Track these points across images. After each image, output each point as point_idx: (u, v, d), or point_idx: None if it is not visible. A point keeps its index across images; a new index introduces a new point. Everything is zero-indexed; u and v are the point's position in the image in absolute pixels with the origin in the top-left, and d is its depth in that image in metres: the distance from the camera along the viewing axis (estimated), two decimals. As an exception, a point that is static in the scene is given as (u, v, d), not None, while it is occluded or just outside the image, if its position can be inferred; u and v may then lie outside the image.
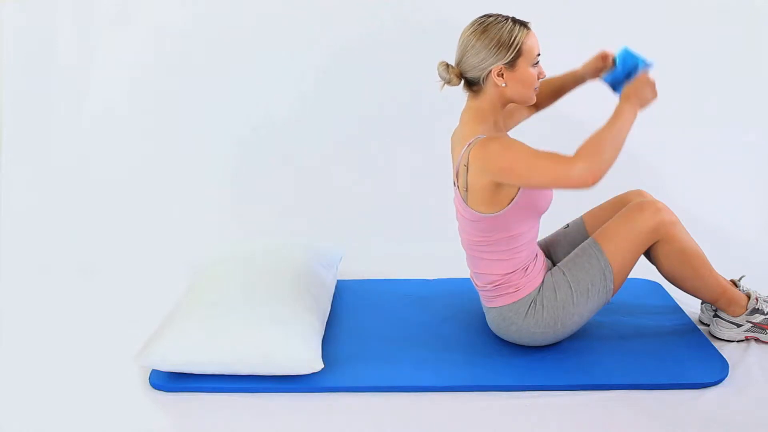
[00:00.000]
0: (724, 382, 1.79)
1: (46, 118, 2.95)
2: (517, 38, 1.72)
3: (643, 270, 2.07)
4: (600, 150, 1.64)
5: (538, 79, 1.79)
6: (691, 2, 2.93)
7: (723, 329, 1.99)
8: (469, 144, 1.75)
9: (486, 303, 1.94)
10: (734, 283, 2.05)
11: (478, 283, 1.94)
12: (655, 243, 1.88)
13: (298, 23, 2.97)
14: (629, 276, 2.01)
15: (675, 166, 2.98)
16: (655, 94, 1.76)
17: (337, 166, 3.01)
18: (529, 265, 1.87)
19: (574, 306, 1.85)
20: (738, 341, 1.98)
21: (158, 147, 3.01)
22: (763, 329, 1.96)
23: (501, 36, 1.72)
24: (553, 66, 3.01)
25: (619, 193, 2.08)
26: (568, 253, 2.01)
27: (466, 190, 1.78)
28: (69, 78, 2.96)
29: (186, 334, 1.80)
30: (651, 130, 3.03)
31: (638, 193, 2.03)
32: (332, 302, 2.19)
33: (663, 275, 1.95)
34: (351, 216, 2.84)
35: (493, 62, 1.73)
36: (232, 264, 2.12)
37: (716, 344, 1.96)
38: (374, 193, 2.93)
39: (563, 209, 2.14)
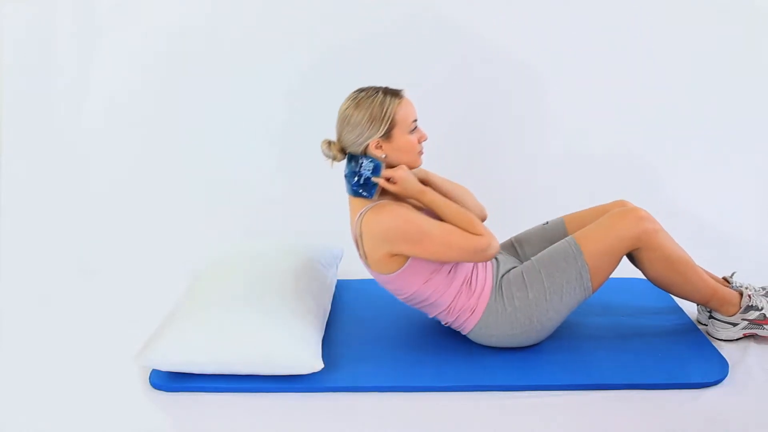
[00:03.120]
0: (724, 381, 1.79)
1: (46, 118, 2.95)
2: (389, 110, 1.76)
3: (643, 270, 2.07)
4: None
5: (420, 142, 1.83)
6: (691, 2, 2.94)
7: (720, 329, 1.99)
8: (360, 214, 1.80)
9: (462, 332, 1.94)
10: (726, 281, 2.05)
11: (441, 321, 1.95)
12: (638, 251, 1.87)
13: (297, 24, 2.97)
14: (629, 276, 2.02)
15: (675, 166, 2.98)
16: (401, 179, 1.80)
17: (336, 166, 3.00)
18: (469, 281, 1.87)
19: (547, 302, 1.84)
20: (737, 339, 1.98)
21: (158, 147, 3.01)
22: (760, 325, 1.96)
23: (372, 110, 1.75)
24: (553, 66, 3.03)
25: (616, 192, 2.08)
26: (544, 248, 2.02)
27: (367, 257, 1.82)
28: (69, 78, 2.96)
29: (186, 334, 1.80)
30: (651, 130, 3.04)
31: (621, 203, 2.03)
32: (332, 302, 2.19)
33: (651, 282, 1.95)
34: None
35: (369, 136, 1.77)
36: (232, 264, 2.12)
37: (716, 344, 1.96)
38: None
39: (549, 212, 2.17)
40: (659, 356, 1.88)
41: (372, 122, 1.76)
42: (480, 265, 1.90)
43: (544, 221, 2.11)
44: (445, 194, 1.94)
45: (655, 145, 3.01)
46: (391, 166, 1.81)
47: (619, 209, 1.90)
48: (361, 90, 1.80)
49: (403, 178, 1.78)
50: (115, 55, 2.97)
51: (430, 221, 1.77)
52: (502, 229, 2.25)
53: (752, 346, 1.95)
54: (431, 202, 1.80)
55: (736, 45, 2.95)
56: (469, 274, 1.88)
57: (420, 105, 2.99)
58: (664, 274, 1.89)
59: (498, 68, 3.02)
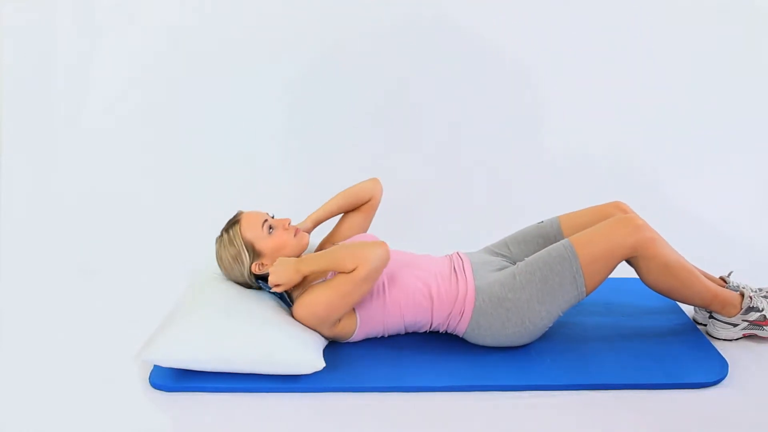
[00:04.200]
0: (724, 381, 1.79)
1: (46, 118, 2.95)
2: (237, 241, 1.89)
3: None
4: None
5: (286, 230, 1.91)
6: (691, 2, 2.94)
7: (720, 329, 1.99)
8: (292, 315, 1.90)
9: (458, 335, 1.95)
10: (724, 280, 2.05)
11: (439, 331, 1.97)
12: (635, 259, 1.87)
13: (297, 24, 2.97)
14: (630, 276, 2.01)
15: (675, 166, 2.98)
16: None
17: (335, 167, 3.01)
18: (436, 290, 1.89)
19: (540, 304, 1.85)
20: (736, 339, 1.98)
21: (158, 146, 3.01)
22: (760, 326, 1.96)
23: (228, 252, 1.90)
24: (553, 66, 3.03)
25: (614, 193, 2.08)
26: (538, 244, 2.03)
27: (331, 336, 1.91)
28: (69, 78, 2.96)
29: (188, 331, 1.79)
30: (651, 130, 3.05)
31: (616, 205, 2.04)
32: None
33: (651, 288, 1.94)
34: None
35: (246, 268, 1.90)
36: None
37: (715, 344, 1.96)
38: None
39: (546, 212, 2.17)
40: (658, 357, 1.88)
41: (236, 260, 1.90)
42: (445, 270, 1.93)
43: (539, 220, 2.11)
44: (340, 209, 2.10)
45: (653, 145, 3.02)
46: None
47: (618, 216, 1.90)
48: (215, 242, 1.95)
49: (278, 280, 1.82)
50: (115, 55, 2.97)
51: (322, 290, 1.82)
52: (498, 228, 2.26)
53: (752, 346, 1.95)
54: (312, 274, 1.85)
55: (736, 45, 2.95)
56: (430, 284, 1.90)
57: (418, 104, 3.01)
58: (663, 280, 1.89)
59: (496, 67, 3.02)
